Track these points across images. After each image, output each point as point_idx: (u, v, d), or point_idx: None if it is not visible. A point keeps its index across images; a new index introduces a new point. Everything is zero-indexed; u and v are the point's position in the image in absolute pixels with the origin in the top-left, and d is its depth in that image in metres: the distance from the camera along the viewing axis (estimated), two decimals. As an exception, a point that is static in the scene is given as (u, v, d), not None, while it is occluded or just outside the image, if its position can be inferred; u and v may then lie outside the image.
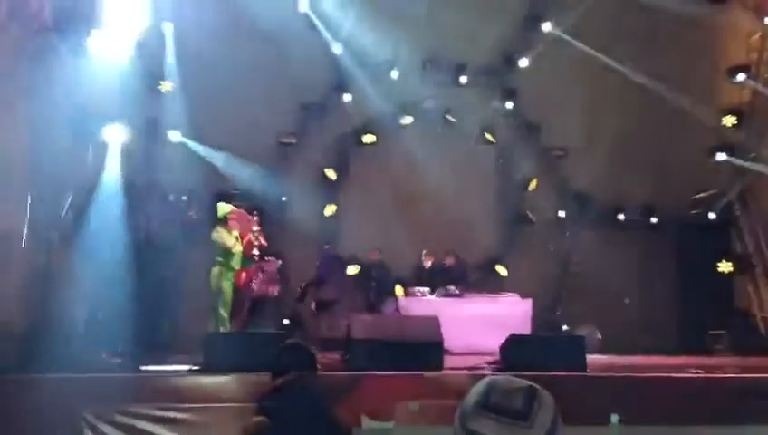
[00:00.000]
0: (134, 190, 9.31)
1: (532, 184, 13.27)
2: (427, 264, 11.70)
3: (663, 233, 13.16)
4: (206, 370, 6.35)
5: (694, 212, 12.79)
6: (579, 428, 5.76)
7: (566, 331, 12.13)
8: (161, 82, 10.69)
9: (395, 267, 12.07)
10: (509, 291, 11.43)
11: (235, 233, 8.54)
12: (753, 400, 6.44)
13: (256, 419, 3.22)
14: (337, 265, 11.31)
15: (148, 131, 10.53)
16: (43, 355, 6.09)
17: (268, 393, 3.24)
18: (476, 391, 1.39)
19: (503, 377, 1.42)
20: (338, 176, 12.83)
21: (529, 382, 1.40)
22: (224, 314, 8.35)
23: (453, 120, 13.11)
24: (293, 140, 12.52)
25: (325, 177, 12.78)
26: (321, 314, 10.61)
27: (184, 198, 10.35)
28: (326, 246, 11.83)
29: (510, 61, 13.26)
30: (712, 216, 12.54)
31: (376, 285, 11.37)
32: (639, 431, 5.89)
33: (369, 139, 12.84)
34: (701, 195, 12.67)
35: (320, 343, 10.68)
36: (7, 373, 6.03)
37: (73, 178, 8.10)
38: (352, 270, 12.40)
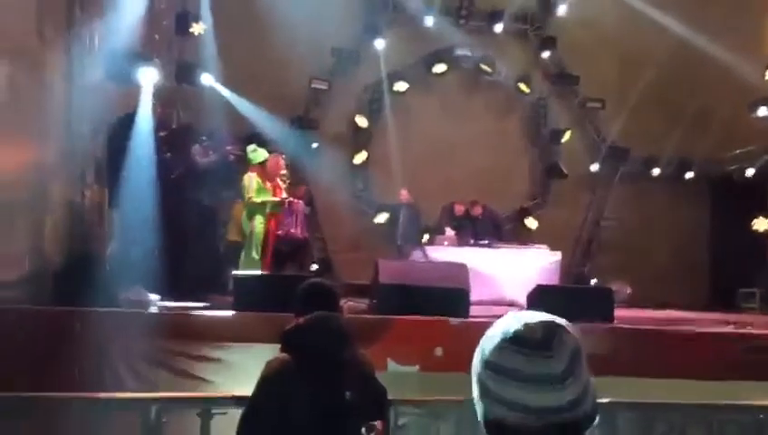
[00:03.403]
0: (167, 132, 9.36)
1: (567, 136, 13.08)
2: (459, 212, 11.65)
3: (698, 188, 12.95)
4: (236, 309, 6.47)
5: (731, 168, 12.51)
6: (605, 378, 5.79)
7: (595, 284, 12.10)
8: (194, 24, 10.63)
9: (424, 216, 12.05)
10: (539, 243, 11.37)
11: (269, 183, 8.60)
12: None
13: (279, 356, 3.26)
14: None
15: (181, 74, 10.54)
16: (78, 290, 6.23)
17: (290, 331, 3.27)
18: (499, 324, 1.38)
19: (525, 311, 1.40)
20: (369, 123, 12.77)
21: (552, 316, 1.38)
22: (255, 255, 8.45)
23: (487, 68, 12.91)
24: (325, 86, 12.45)
25: (356, 124, 12.74)
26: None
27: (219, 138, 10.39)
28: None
29: (547, 8, 12.96)
30: (750, 172, 12.26)
31: (404, 228, 11.32)
32: (664, 384, 5.89)
33: (401, 86, 12.72)
34: (739, 151, 12.36)
35: (346, 288, 10.84)
36: (44, 306, 6.20)
37: (108, 118, 8.17)
38: (381, 218, 12.43)
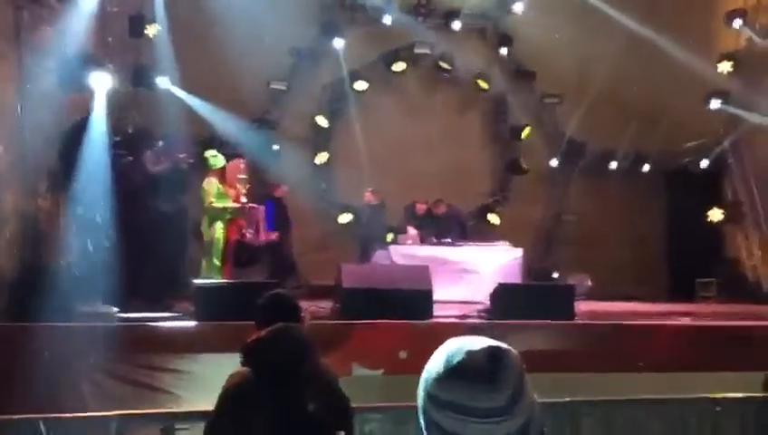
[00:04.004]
0: (123, 137, 9.21)
1: (526, 132, 13.19)
2: (420, 211, 11.69)
3: (654, 181, 13.17)
4: (198, 319, 6.40)
5: (686, 160, 12.76)
6: (567, 374, 5.87)
7: (557, 278, 12.25)
8: (148, 27, 10.45)
9: (388, 216, 12.06)
10: (501, 239, 11.47)
11: (230, 188, 8.52)
12: (737, 347, 6.54)
13: (241, 369, 3.24)
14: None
15: (136, 78, 10.36)
16: (33, 304, 6.10)
17: (251, 344, 3.24)
18: (439, 355, 1.35)
19: (465, 338, 1.37)
20: (330, 123, 12.72)
21: (493, 342, 1.36)
22: (216, 262, 8.37)
23: (446, 66, 12.94)
24: (284, 86, 12.36)
25: (316, 124, 12.68)
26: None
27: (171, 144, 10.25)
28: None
29: (504, 6, 13.03)
30: (704, 164, 12.53)
31: (368, 229, 11.35)
32: (627, 378, 5.99)
33: (361, 85, 12.68)
34: (694, 143, 12.62)
35: (312, 289, 10.82)
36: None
37: (61, 126, 8.01)
38: (344, 218, 12.41)
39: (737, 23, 11.84)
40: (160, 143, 9.30)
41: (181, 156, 9.07)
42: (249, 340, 3.41)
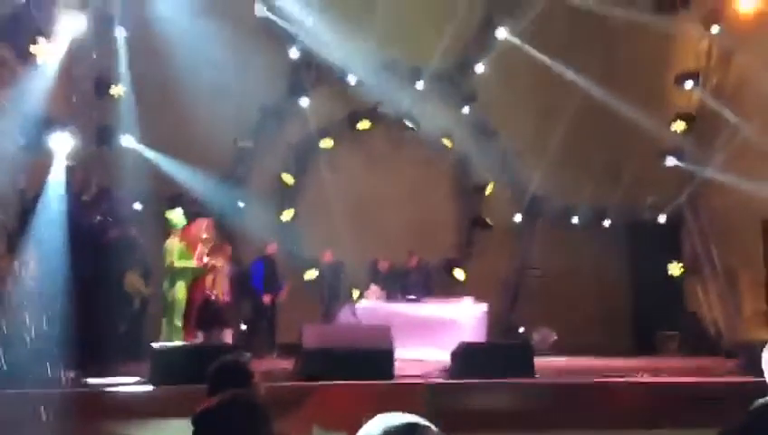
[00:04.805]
0: (84, 198, 9.17)
1: (490, 188, 13.39)
2: (382, 268, 11.77)
3: (616, 235, 13.38)
4: (154, 383, 6.30)
5: (645, 215, 13.01)
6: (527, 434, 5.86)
7: (522, 332, 12.30)
8: (112, 87, 10.53)
9: (353, 272, 12.08)
10: (467, 294, 11.52)
11: (192, 248, 8.50)
12: (696, 403, 6.59)
13: (191, 437, 3.20)
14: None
15: (100, 137, 10.39)
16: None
17: (200, 414, 3.21)
18: (365, 428, 1.41)
19: (389, 415, 1.44)
20: (295, 181, 12.81)
21: (413, 419, 1.42)
22: (177, 323, 8.29)
23: (410, 124, 13.17)
24: (251, 144, 12.47)
25: (282, 182, 12.75)
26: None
27: (138, 206, 10.24)
28: None
29: (466, 66, 13.37)
30: (662, 219, 12.79)
31: (330, 288, 11.40)
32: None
33: (326, 143, 12.84)
34: (652, 198, 12.89)
35: (279, 347, 10.74)
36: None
37: (19, 187, 7.96)
38: (309, 275, 12.39)
39: (689, 84, 12.28)
40: (100, 217, 9.25)
41: (133, 232, 9.06)
42: (198, 409, 3.38)
